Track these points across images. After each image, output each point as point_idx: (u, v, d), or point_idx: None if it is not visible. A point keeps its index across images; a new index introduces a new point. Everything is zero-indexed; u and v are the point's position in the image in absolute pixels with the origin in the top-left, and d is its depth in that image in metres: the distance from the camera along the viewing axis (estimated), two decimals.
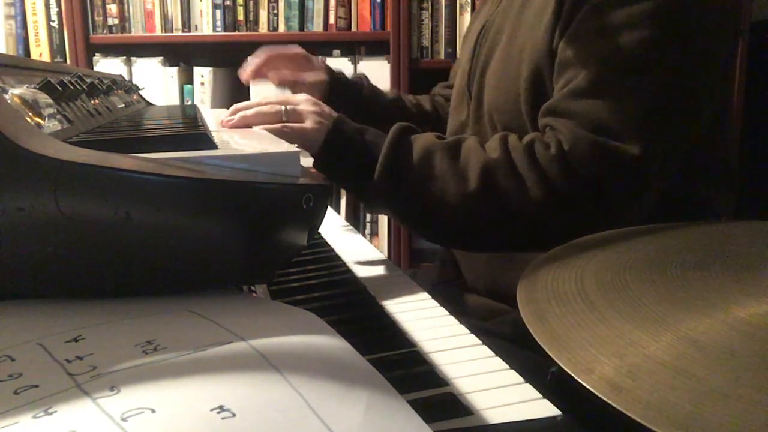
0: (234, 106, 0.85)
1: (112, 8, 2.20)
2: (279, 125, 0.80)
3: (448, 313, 0.62)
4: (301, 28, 2.18)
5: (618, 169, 0.71)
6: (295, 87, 1.04)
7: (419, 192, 0.75)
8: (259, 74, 1.05)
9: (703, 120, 0.79)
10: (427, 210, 0.76)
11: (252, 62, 1.04)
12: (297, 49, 1.07)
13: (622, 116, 0.72)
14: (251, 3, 2.18)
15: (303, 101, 0.83)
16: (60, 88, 0.69)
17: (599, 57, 0.73)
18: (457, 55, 1.15)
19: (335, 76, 1.09)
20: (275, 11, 2.18)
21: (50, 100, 0.64)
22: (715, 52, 0.76)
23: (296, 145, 0.80)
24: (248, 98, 1.04)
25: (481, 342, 0.55)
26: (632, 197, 0.74)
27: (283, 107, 0.81)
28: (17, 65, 0.75)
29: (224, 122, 0.83)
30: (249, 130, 0.79)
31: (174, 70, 2.22)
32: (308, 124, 0.80)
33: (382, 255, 0.83)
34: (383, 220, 2.28)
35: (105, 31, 2.21)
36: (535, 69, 0.79)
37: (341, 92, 1.08)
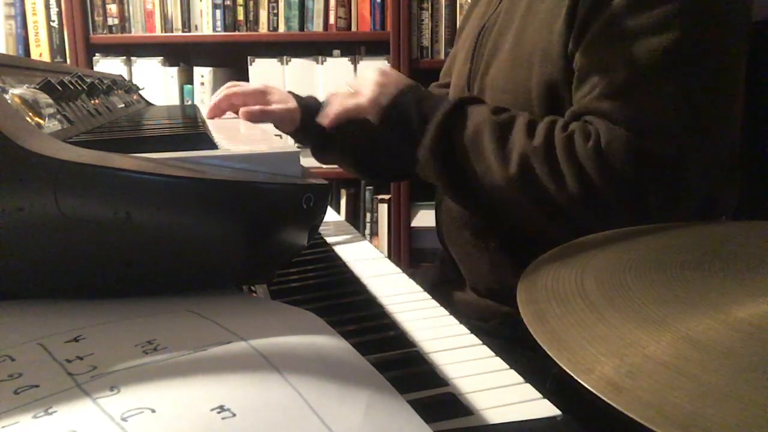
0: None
1: (112, 8, 2.20)
2: (342, 107, 0.88)
3: (448, 313, 0.62)
4: (301, 28, 2.18)
5: (654, 171, 0.71)
6: (263, 118, 1.03)
7: (466, 169, 0.78)
8: (219, 111, 1.08)
9: (735, 118, 0.79)
10: (470, 186, 0.79)
11: (213, 100, 1.09)
12: (257, 86, 1.10)
13: (654, 118, 0.71)
14: (251, 3, 2.18)
15: (371, 72, 0.87)
16: (60, 88, 0.69)
17: (625, 61, 0.72)
18: (451, 53, 1.14)
19: (305, 103, 1.07)
20: (275, 11, 2.18)
21: (50, 100, 0.64)
22: (737, 48, 0.76)
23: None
24: None
25: (481, 342, 0.55)
26: (669, 199, 0.73)
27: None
28: (17, 65, 0.75)
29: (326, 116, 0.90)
30: (251, 128, 0.79)
31: (174, 70, 2.22)
32: (364, 97, 0.85)
33: (382, 255, 0.83)
34: (383, 220, 2.28)
35: (105, 31, 2.21)
36: (549, 75, 0.79)
37: (312, 120, 1.06)
